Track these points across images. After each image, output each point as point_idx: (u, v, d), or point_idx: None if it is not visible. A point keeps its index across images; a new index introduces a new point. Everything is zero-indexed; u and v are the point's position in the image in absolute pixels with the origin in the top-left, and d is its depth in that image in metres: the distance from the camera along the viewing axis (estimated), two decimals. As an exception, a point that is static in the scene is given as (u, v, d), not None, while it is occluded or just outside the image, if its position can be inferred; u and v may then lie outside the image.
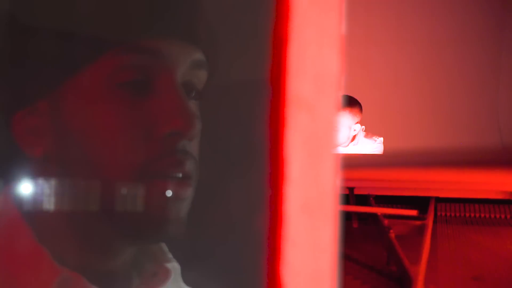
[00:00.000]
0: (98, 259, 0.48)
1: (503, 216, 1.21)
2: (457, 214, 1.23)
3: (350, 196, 1.20)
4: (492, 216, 1.21)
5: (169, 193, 0.45)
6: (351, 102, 2.08)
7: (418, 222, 1.09)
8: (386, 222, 1.04)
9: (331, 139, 0.26)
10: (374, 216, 1.11)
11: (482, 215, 1.22)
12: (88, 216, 0.45)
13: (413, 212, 1.08)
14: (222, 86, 0.51)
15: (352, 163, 1.42)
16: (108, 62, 0.44)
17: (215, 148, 0.49)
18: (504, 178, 1.20)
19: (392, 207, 1.23)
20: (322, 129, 0.25)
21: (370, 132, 2.22)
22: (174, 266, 0.51)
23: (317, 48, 0.25)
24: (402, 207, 1.24)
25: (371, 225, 1.14)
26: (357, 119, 2.04)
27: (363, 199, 1.20)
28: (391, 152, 2.36)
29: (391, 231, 0.97)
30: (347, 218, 1.20)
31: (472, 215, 1.22)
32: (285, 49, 0.24)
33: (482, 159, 1.20)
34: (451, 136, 4.72)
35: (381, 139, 2.14)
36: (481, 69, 4.77)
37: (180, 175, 0.46)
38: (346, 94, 2.13)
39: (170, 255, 0.52)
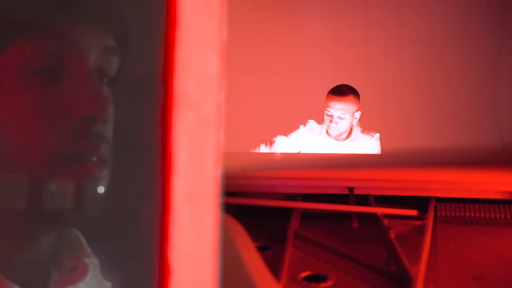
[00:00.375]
0: (17, 247, 0.47)
1: (503, 216, 1.21)
2: (457, 214, 1.22)
3: (350, 196, 1.20)
4: (492, 216, 1.21)
5: (85, 175, 0.46)
6: (353, 90, 2.08)
7: (418, 222, 1.09)
8: (386, 222, 1.04)
9: (213, 135, 0.28)
10: (374, 216, 1.11)
11: (482, 215, 1.22)
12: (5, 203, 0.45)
13: (413, 212, 1.08)
14: (122, 81, 0.51)
15: (352, 163, 1.42)
16: (20, 48, 0.44)
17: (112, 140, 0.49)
18: (504, 178, 1.20)
19: (392, 207, 1.23)
20: (205, 125, 0.27)
21: (367, 128, 2.22)
22: (92, 261, 0.51)
23: (201, 52, 0.27)
24: (402, 207, 1.23)
25: (371, 225, 1.14)
26: (357, 106, 2.05)
27: (363, 199, 1.20)
28: (391, 152, 2.36)
29: (391, 231, 0.97)
30: (347, 218, 1.20)
31: (472, 215, 1.22)
32: (173, 52, 0.27)
33: (482, 159, 1.20)
34: (451, 136, 4.73)
35: (378, 135, 2.15)
36: (481, 68, 4.78)
37: (95, 158, 0.47)
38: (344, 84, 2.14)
39: (89, 250, 0.51)
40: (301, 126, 2.23)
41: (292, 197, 1.27)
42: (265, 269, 0.69)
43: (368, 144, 2.11)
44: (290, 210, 1.15)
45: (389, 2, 4.87)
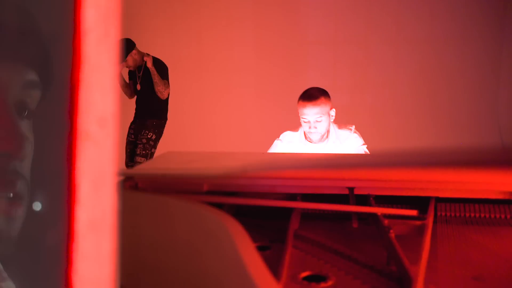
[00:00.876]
0: None
1: (503, 216, 1.21)
2: (457, 214, 1.22)
3: (350, 196, 1.20)
4: (492, 216, 1.21)
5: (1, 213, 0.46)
6: (321, 90, 2.09)
7: (418, 222, 1.09)
8: (386, 222, 1.03)
9: (112, 168, 0.31)
10: (374, 216, 1.11)
11: (482, 215, 1.22)
12: None
13: (413, 212, 1.08)
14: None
15: (352, 163, 1.42)
16: None
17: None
18: (504, 178, 1.20)
19: (392, 207, 1.23)
20: (105, 159, 0.31)
21: (343, 123, 2.22)
22: (9, 286, 0.51)
23: (101, 92, 0.31)
24: (402, 207, 1.23)
25: (371, 225, 1.14)
26: (330, 104, 2.05)
27: (363, 199, 1.20)
28: (391, 152, 2.36)
29: (391, 231, 0.97)
30: (347, 218, 1.20)
31: (472, 215, 1.22)
32: (77, 92, 0.30)
33: (482, 159, 1.21)
34: (451, 136, 4.73)
35: (353, 126, 2.16)
36: (481, 68, 4.78)
37: (11, 195, 0.47)
38: (314, 86, 2.13)
39: (5, 274, 0.51)
40: (277, 142, 2.21)
41: (292, 197, 1.27)
42: (265, 269, 0.69)
43: (352, 145, 2.11)
44: (290, 210, 1.15)
45: (389, 2, 4.87)
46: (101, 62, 0.30)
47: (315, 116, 2.04)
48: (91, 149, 0.30)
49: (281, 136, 2.22)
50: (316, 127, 2.06)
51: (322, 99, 2.06)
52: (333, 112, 2.11)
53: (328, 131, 2.12)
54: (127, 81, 3.81)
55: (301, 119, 2.10)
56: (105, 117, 0.30)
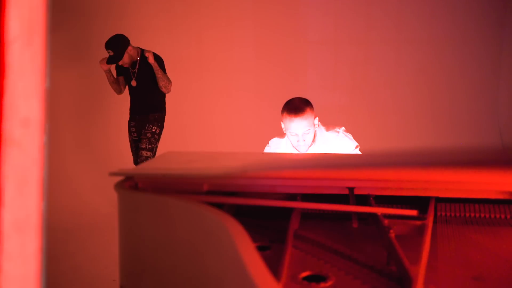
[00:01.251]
0: None
1: (503, 216, 1.21)
2: (457, 214, 1.22)
3: (350, 196, 1.20)
4: (492, 216, 1.21)
5: None
6: (305, 101, 2.05)
7: (418, 222, 1.09)
8: (386, 222, 1.04)
9: (37, 171, 0.33)
10: (374, 216, 1.11)
11: (482, 215, 1.22)
12: None
13: (413, 212, 1.08)
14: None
15: (352, 163, 1.42)
16: None
17: None
18: (504, 178, 1.20)
19: (392, 207, 1.23)
20: (29, 162, 0.32)
21: (331, 125, 2.20)
22: None
23: (25, 99, 0.32)
24: (402, 207, 1.23)
25: (371, 225, 1.14)
26: (314, 113, 2.03)
27: (363, 199, 1.20)
28: (391, 152, 2.35)
29: (391, 231, 0.97)
30: (347, 218, 1.20)
31: (472, 215, 1.22)
32: (1, 99, 0.31)
33: (482, 159, 1.20)
34: (451, 136, 4.72)
35: (343, 128, 2.13)
36: (481, 68, 4.77)
37: None
38: (298, 96, 2.09)
39: None
40: (267, 148, 2.20)
41: (292, 197, 1.27)
42: (265, 269, 0.69)
43: (338, 143, 2.08)
44: (290, 210, 1.15)
45: (389, 2, 4.88)
46: (25, 70, 0.31)
47: (303, 129, 1.99)
48: (16, 153, 0.31)
49: (270, 142, 2.21)
50: (304, 140, 2.01)
51: (308, 110, 2.00)
52: (316, 121, 2.06)
53: (315, 136, 2.09)
54: (115, 76, 3.76)
55: (288, 133, 2.03)
56: (29, 122, 0.31)
